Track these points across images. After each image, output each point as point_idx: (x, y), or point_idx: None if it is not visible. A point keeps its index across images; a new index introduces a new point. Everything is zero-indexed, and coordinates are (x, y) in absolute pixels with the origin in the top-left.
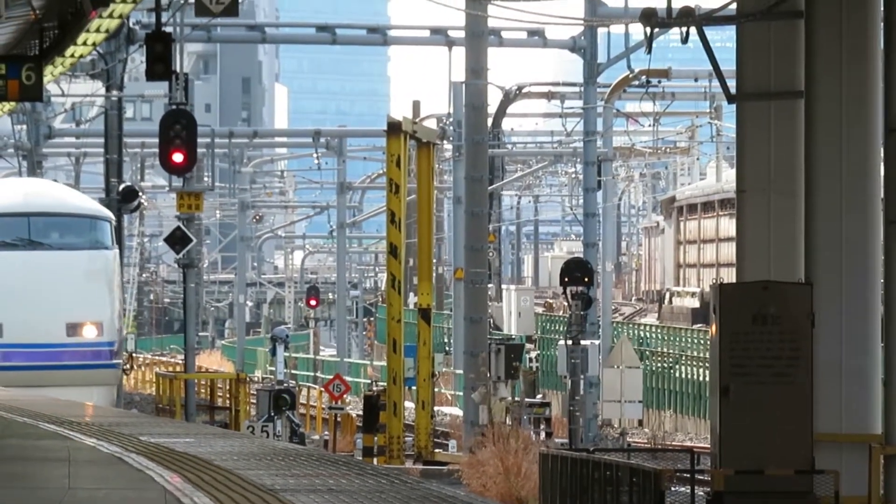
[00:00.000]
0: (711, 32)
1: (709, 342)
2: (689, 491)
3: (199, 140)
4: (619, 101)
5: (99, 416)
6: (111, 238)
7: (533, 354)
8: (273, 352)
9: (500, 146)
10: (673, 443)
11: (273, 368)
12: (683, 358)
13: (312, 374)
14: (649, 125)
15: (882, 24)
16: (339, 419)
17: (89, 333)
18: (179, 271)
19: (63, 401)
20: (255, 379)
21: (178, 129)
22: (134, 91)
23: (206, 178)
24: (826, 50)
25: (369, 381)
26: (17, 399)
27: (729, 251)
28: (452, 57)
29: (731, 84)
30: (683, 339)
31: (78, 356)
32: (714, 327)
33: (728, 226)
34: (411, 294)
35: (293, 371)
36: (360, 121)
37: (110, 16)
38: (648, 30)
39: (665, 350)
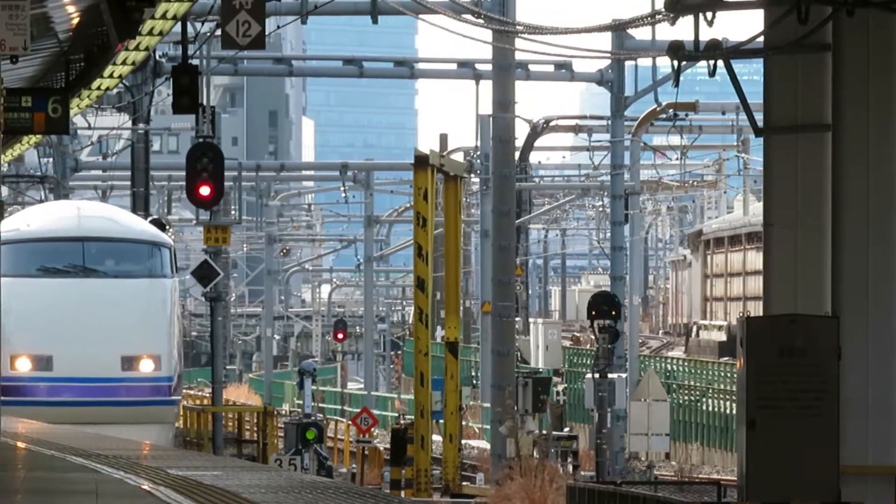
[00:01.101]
0: (739, 66)
1: (736, 375)
2: None
3: (226, 173)
4: (647, 135)
5: (126, 450)
6: (171, 266)
7: (560, 388)
8: (300, 385)
9: (528, 179)
10: (700, 475)
11: (300, 402)
12: (710, 391)
13: (340, 407)
14: (676, 158)
15: None
16: (366, 452)
17: (146, 367)
18: (207, 305)
19: (90, 434)
20: (283, 412)
21: (205, 162)
22: (160, 124)
23: (233, 212)
24: (853, 83)
25: (397, 415)
26: (44, 432)
27: (756, 285)
28: (480, 90)
29: (759, 117)
30: (710, 373)
31: (134, 392)
32: (741, 360)
33: (755, 259)
34: (439, 327)
35: (321, 404)
36: (387, 154)
37: (136, 48)
38: (676, 63)
39: (692, 383)
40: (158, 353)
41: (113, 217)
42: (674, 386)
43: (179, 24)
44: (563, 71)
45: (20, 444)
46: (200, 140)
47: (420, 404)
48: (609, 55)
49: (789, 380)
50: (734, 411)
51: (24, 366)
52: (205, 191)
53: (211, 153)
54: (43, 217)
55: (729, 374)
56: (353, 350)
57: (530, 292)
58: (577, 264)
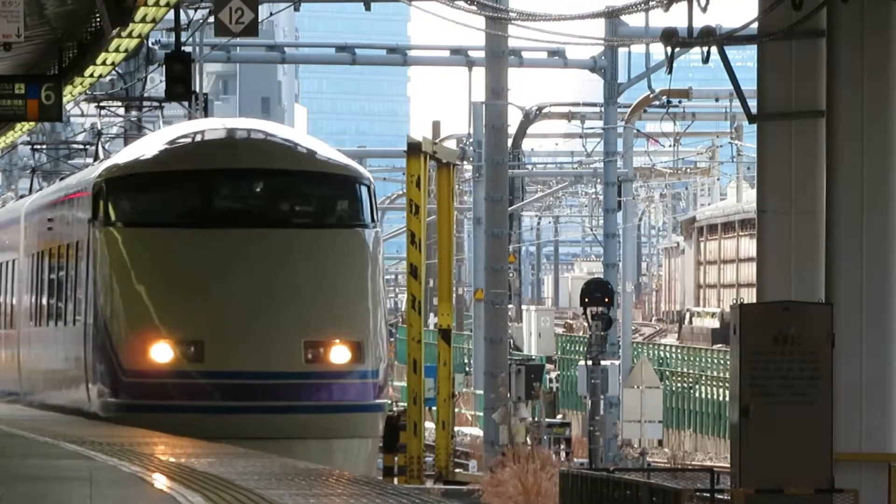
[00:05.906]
0: (732, 52)
1: (729, 362)
2: None
3: None
4: (640, 122)
5: (120, 437)
6: (371, 210)
7: (553, 375)
8: None
9: (520, 167)
10: (693, 462)
11: None
12: (703, 378)
13: None
14: (670, 145)
15: None
16: None
17: (340, 358)
18: None
19: (85, 420)
20: None
21: None
22: (153, 111)
23: None
24: (847, 69)
25: (389, 402)
26: (38, 418)
27: (749, 271)
28: (472, 77)
29: (752, 104)
30: (703, 360)
31: (323, 393)
32: (735, 348)
33: (748, 246)
34: (431, 314)
35: None
36: (379, 141)
37: (129, 35)
38: (669, 49)
39: (685, 370)
40: (358, 338)
41: (286, 140)
42: (667, 373)
43: (172, 11)
44: (556, 58)
45: (14, 431)
46: None
47: (413, 391)
48: (602, 42)
49: (783, 367)
50: (727, 398)
51: (163, 356)
52: None
53: None
54: (183, 143)
55: (722, 361)
56: None
57: (523, 279)
58: (569, 251)
